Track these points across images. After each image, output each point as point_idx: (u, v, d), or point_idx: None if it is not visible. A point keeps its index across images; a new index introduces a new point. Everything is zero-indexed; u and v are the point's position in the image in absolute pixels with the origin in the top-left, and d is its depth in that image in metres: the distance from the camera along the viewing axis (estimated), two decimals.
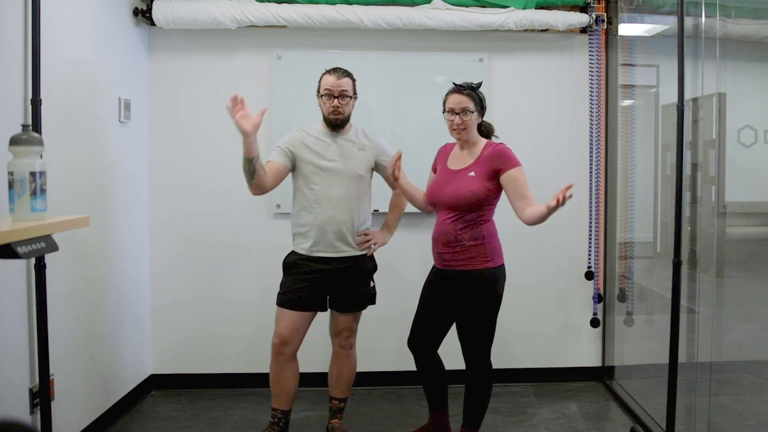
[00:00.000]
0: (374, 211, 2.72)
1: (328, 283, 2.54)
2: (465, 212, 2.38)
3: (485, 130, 2.53)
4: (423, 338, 2.57)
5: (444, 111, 2.46)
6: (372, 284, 2.68)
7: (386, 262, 2.78)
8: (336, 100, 2.50)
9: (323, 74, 2.56)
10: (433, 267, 2.55)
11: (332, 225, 2.52)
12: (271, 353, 2.57)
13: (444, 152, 2.58)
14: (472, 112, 2.40)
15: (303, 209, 2.54)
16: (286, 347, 2.54)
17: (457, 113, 2.39)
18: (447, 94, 2.45)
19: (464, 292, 2.39)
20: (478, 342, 2.44)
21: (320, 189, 2.51)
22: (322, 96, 2.53)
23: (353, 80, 2.57)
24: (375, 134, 2.68)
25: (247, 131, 2.27)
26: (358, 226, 2.58)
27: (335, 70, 2.54)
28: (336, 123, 2.54)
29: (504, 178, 2.37)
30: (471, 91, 2.42)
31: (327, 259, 2.54)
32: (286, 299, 2.53)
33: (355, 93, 2.59)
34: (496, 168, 2.37)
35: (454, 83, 2.45)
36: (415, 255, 2.94)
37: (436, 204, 2.49)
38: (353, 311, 2.65)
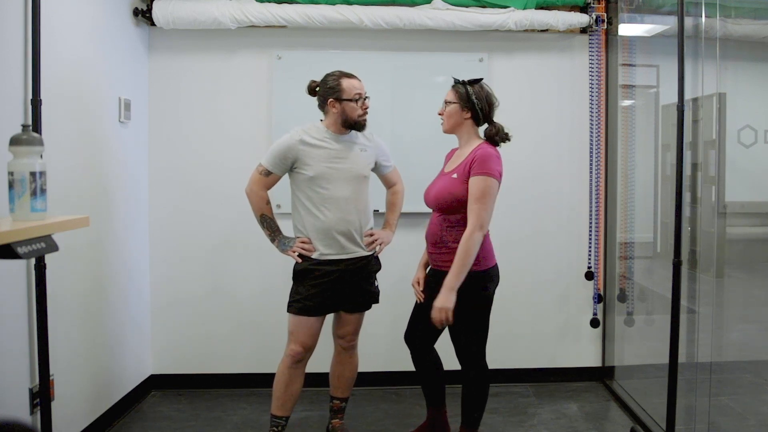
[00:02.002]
0: (375, 211, 2.72)
1: (339, 285, 2.54)
2: (449, 213, 2.39)
3: (492, 133, 2.42)
4: (417, 334, 2.58)
5: None
6: (376, 283, 2.68)
7: (386, 262, 2.78)
8: (365, 101, 2.52)
9: (340, 79, 2.49)
10: (430, 266, 2.57)
11: (342, 226, 2.51)
12: (286, 361, 2.54)
13: (448, 156, 2.59)
14: (450, 103, 2.42)
15: (309, 212, 2.52)
16: (307, 354, 2.56)
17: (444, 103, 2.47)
18: None
19: None
20: (468, 343, 2.43)
21: (329, 191, 2.49)
22: (349, 100, 2.48)
23: None
24: (372, 133, 2.68)
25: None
26: (364, 226, 2.59)
27: (351, 74, 2.54)
28: (364, 124, 2.54)
29: (469, 181, 2.32)
30: (459, 85, 2.44)
31: (338, 261, 2.53)
32: (303, 306, 2.51)
33: None
34: (470, 170, 2.33)
35: (453, 78, 2.51)
36: (415, 255, 2.93)
37: (427, 205, 2.51)
38: (361, 311, 2.66)
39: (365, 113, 2.53)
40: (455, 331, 2.44)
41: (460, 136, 2.47)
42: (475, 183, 2.30)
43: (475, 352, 2.45)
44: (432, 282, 2.51)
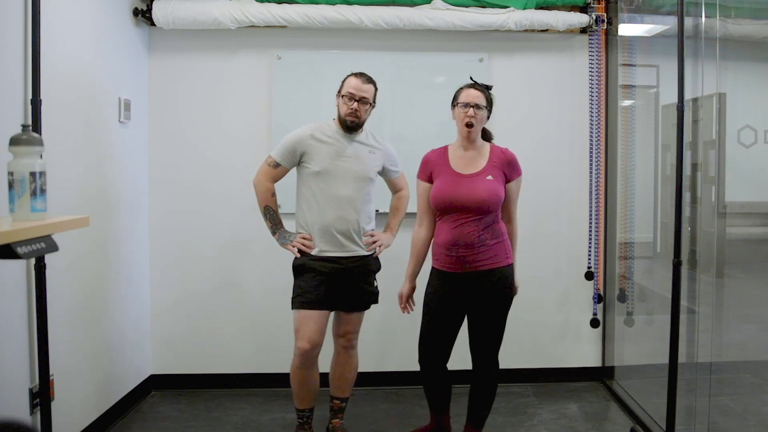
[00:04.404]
0: (377, 211, 2.72)
1: (338, 282, 2.54)
2: (485, 214, 2.40)
3: (484, 134, 2.54)
4: (438, 352, 2.51)
5: (454, 105, 2.47)
6: (376, 284, 2.69)
7: (387, 262, 2.78)
8: (356, 103, 2.50)
9: (348, 75, 2.55)
10: (441, 273, 2.48)
11: (341, 225, 2.52)
12: (295, 360, 2.54)
13: (438, 158, 2.51)
14: (485, 108, 2.44)
15: (311, 208, 2.54)
16: (315, 349, 2.55)
17: (471, 106, 2.40)
18: (460, 90, 2.47)
19: (488, 291, 2.42)
20: (496, 340, 2.49)
21: (331, 188, 2.51)
22: (342, 96, 2.52)
23: (376, 89, 2.59)
24: (382, 137, 2.70)
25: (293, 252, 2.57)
26: (364, 227, 2.59)
27: (361, 74, 2.55)
28: (351, 125, 2.53)
29: (507, 186, 2.47)
30: (485, 89, 2.47)
31: (337, 258, 2.53)
32: (306, 300, 2.51)
33: (374, 101, 2.59)
34: (507, 174, 2.46)
35: (471, 78, 2.51)
36: None
37: (452, 208, 2.41)
38: (360, 311, 2.66)
39: (351, 113, 2.51)
40: (483, 329, 2.46)
41: (476, 139, 2.47)
42: (517, 186, 2.51)
43: (497, 349, 2.52)
44: (452, 287, 2.45)
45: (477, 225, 2.39)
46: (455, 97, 2.48)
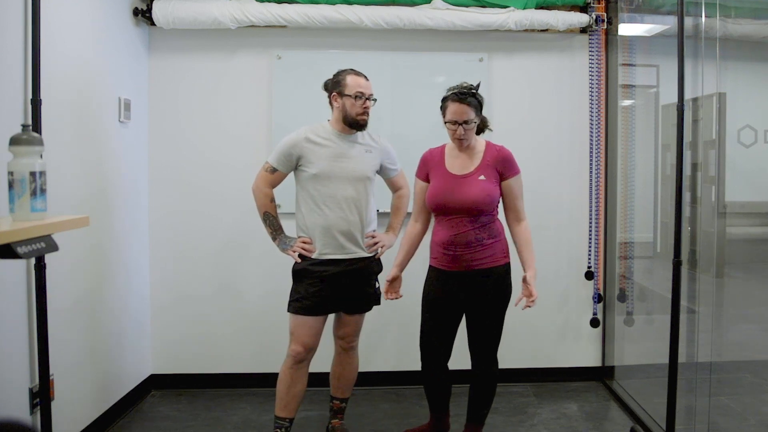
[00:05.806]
0: (376, 210, 2.72)
1: (338, 286, 2.53)
2: (480, 214, 2.40)
3: (480, 124, 2.51)
4: (438, 350, 2.52)
5: (444, 117, 2.41)
6: (377, 285, 2.68)
7: (389, 262, 2.77)
8: (366, 101, 2.50)
9: (347, 75, 2.51)
10: (438, 271, 2.49)
11: (343, 225, 2.51)
12: (287, 362, 2.54)
13: (435, 158, 2.52)
14: (473, 121, 2.39)
15: (310, 210, 2.53)
16: (309, 354, 2.55)
17: (460, 124, 2.37)
18: (447, 101, 2.39)
19: (485, 289, 2.42)
20: (495, 338, 2.50)
21: (330, 190, 2.50)
22: (350, 96, 2.48)
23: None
24: (379, 135, 2.69)
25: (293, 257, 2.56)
26: (366, 227, 2.59)
27: (360, 73, 2.54)
28: (363, 124, 2.53)
29: (504, 185, 2.45)
30: (472, 98, 2.37)
31: (337, 261, 2.52)
32: (303, 306, 2.50)
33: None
34: (501, 172, 2.44)
35: (454, 92, 2.38)
36: (419, 255, 2.93)
37: (447, 210, 2.43)
38: (361, 312, 2.66)
39: (364, 112, 2.51)
40: (482, 327, 2.47)
41: (470, 143, 2.46)
42: (516, 183, 2.47)
43: (496, 348, 2.52)
44: (451, 285, 2.46)
45: (473, 224, 2.40)
46: (443, 108, 2.42)
